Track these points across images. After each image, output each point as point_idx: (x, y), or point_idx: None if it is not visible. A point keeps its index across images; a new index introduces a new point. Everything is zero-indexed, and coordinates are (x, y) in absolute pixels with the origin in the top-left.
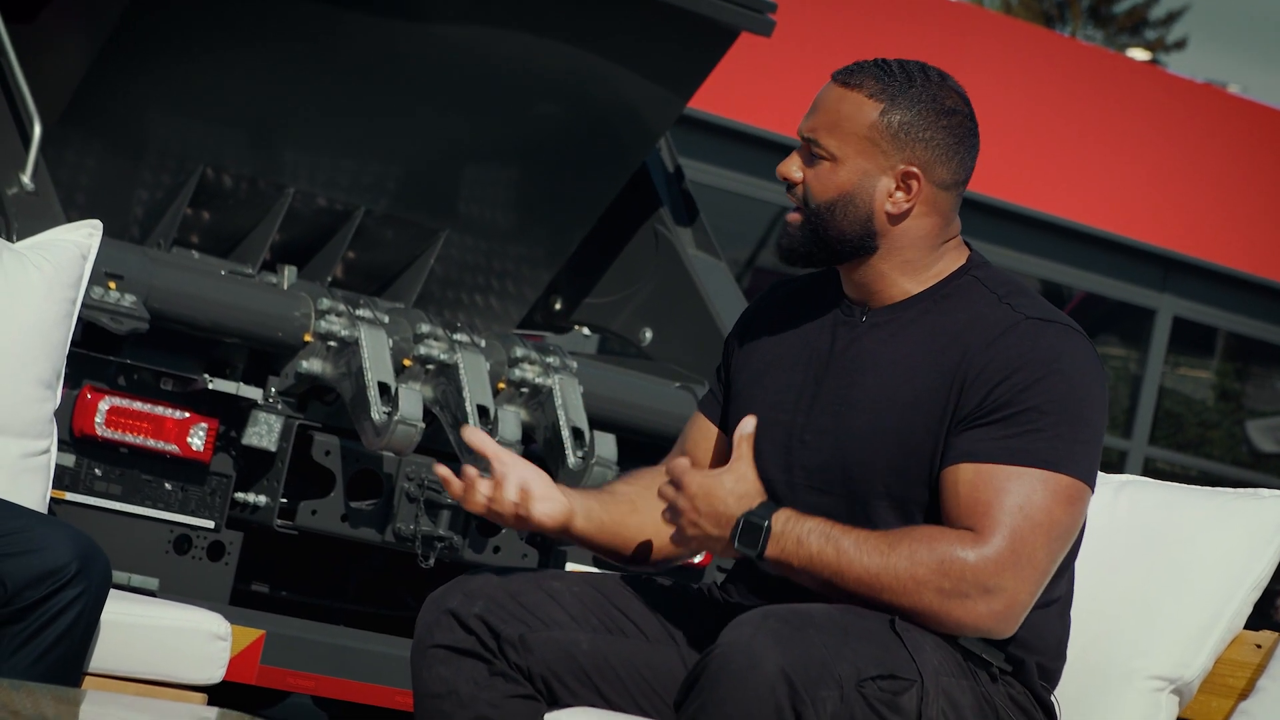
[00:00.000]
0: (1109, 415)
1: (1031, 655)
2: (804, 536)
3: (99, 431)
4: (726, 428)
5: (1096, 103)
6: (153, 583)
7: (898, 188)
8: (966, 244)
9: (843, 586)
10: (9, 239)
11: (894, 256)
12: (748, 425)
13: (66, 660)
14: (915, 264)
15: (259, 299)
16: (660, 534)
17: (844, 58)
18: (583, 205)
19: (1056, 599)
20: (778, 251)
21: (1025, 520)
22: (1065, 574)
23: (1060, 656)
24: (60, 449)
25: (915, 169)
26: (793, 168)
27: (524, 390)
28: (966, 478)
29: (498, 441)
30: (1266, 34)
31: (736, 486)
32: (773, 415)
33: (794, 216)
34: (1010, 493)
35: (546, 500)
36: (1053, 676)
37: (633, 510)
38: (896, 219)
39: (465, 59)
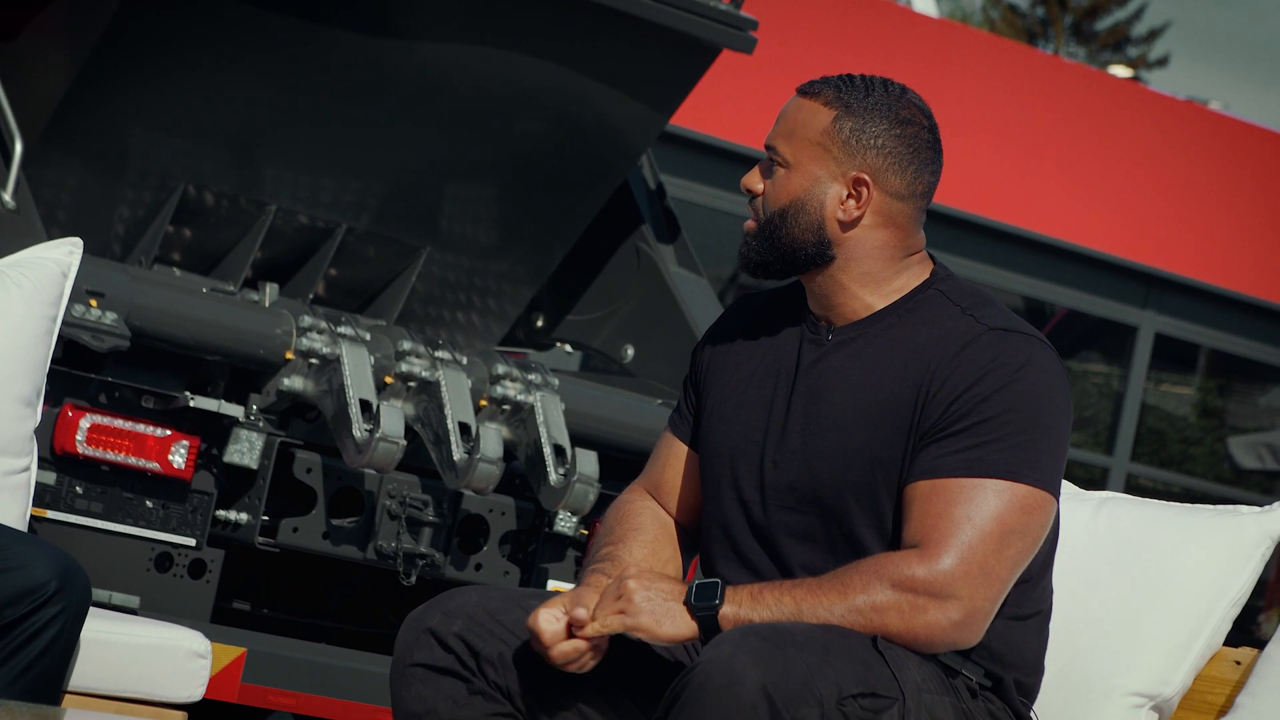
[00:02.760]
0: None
1: (1010, 671)
2: (756, 594)
3: (80, 449)
4: (696, 446)
5: (1078, 120)
6: (133, 601)
7: (849, 195)
8: (932, 258)
9: None
10: None
11: (852, 268)
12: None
13: (46, 678)
14: (875, 276)
15: (240, 316)
16: None
17: (826, 74)
18: (564, 222)
19: (1034, 614)
20: (738, 261)
21: (974, 530)
22: (1042, 588)
23: (1038, 672)
24: (41, 467)
25: (866, 176)
26: (754, 179)
27: (506, 407)
28: (922, 493)
29: (479, 460)
30: (1248, 52)
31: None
32: (745, 435)
33: (750, 225)
34: (960, 504)
35: None
36: (1031, 692)
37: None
38: (847, 226)
39: (447, 77)
